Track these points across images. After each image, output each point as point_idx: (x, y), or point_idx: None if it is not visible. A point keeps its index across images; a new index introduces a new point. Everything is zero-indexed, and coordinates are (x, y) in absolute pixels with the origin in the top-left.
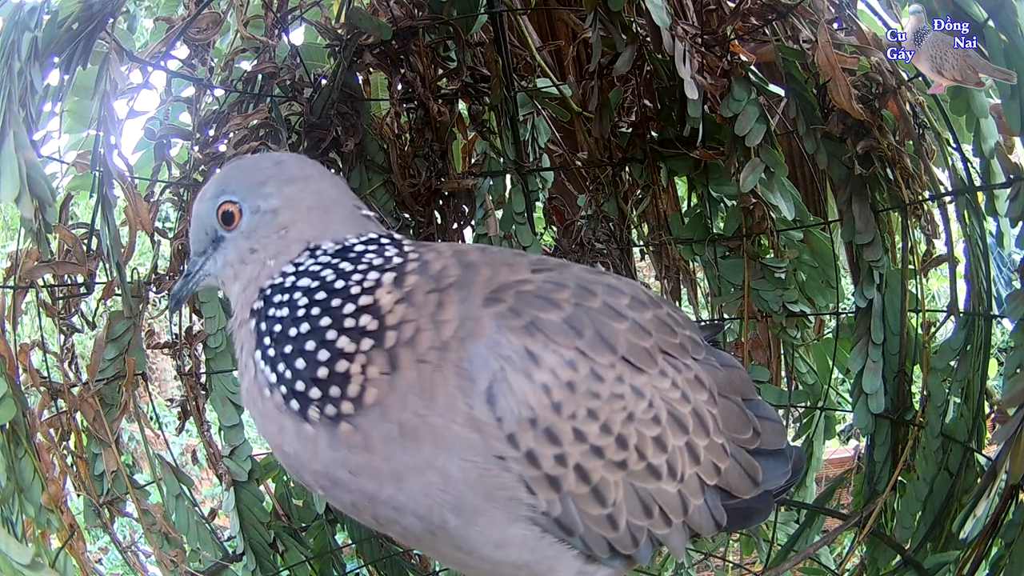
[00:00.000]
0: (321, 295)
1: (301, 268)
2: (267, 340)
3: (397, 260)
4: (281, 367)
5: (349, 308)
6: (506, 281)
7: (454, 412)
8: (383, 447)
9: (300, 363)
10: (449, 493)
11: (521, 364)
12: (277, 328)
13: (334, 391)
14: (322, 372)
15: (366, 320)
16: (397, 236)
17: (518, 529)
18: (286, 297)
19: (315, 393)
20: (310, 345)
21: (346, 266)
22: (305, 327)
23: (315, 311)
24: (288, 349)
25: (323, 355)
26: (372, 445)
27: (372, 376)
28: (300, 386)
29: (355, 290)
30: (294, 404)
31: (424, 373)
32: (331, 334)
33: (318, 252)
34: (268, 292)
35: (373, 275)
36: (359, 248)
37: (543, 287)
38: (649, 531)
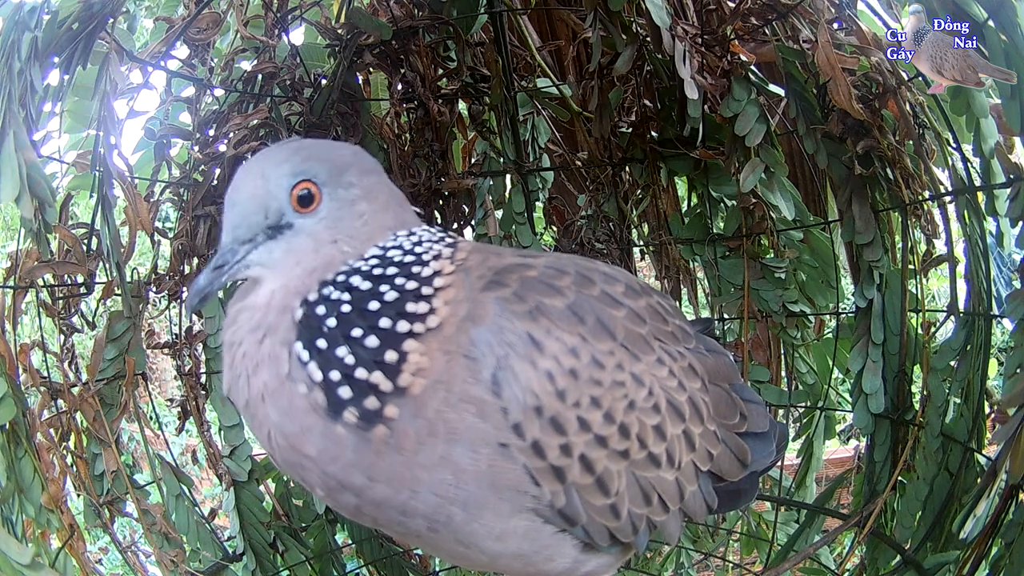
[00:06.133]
0: (400, 278)
1: (382, 254)
2: (326, 325)
3: (448, 249)
4: (342, 352)
5: (426, 290)
6: (506, 264)
7: (466, 401)
8: (413, 448)
9: (372, 341)
10: (460, 488)
11: (525, 351)
12: (345, 309)
13: (385, 385)
14: (390, 356)
15: (437, 303)
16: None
17: (520, 521)
18: (365, 281)
19: (376, 378)
20: (385, 322)
21: (419, 250)
22: (392, 295)
23: (394, 290)
24: (357, 331)
25: (403, 326)
26: (404, 446)
27: (424, 365)
28: (361, 373)
29: (427, 272)
30: (343, 392)
31: (445, 361)
32: (411, 305)
33: (398, 238)
34: (338, 279)
35: (437, 262)
36: (426, 236)
37: (545, 272)
38: (648, 518)
